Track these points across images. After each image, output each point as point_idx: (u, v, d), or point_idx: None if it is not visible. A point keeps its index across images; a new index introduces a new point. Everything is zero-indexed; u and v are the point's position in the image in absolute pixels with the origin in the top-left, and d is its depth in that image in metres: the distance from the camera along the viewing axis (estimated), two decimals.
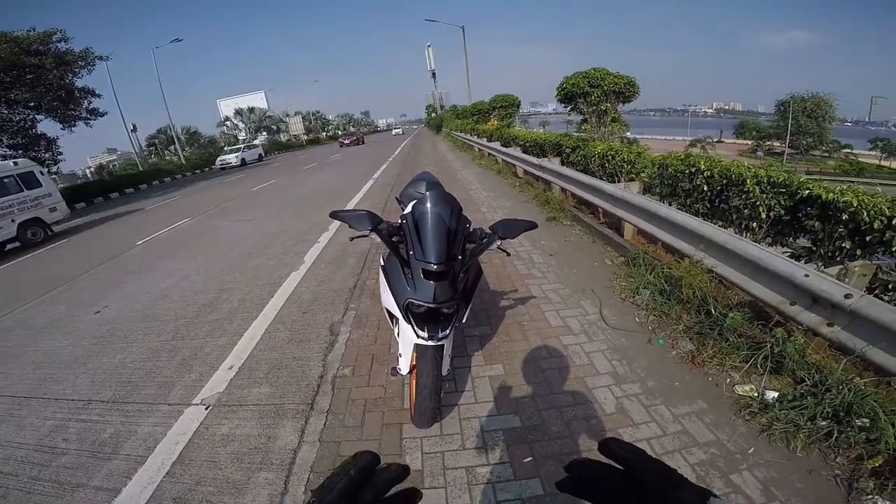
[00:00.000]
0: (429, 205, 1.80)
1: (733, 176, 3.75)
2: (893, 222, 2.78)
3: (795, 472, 1.89)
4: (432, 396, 1.89)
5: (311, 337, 3.21)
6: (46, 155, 18.96)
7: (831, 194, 3.15)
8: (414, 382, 2.23)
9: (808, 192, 3.32)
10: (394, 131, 72.42)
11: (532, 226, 1.94)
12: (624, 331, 3.03)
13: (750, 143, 45.91)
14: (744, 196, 3.67)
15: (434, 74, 52.14)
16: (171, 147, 37.55)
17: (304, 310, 3.66)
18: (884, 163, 40.19)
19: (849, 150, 42.12)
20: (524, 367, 2.64)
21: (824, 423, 2.09)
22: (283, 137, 55.90)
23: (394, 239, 1.87)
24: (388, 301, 1.89)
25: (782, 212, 3.49)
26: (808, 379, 2.32)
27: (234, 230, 7.61)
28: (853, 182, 3.38)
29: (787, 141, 38.21)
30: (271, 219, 8.12)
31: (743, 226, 3.80)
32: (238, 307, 3.99)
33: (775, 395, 2.34)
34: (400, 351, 1.99)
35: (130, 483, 2.10)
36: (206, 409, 2.59)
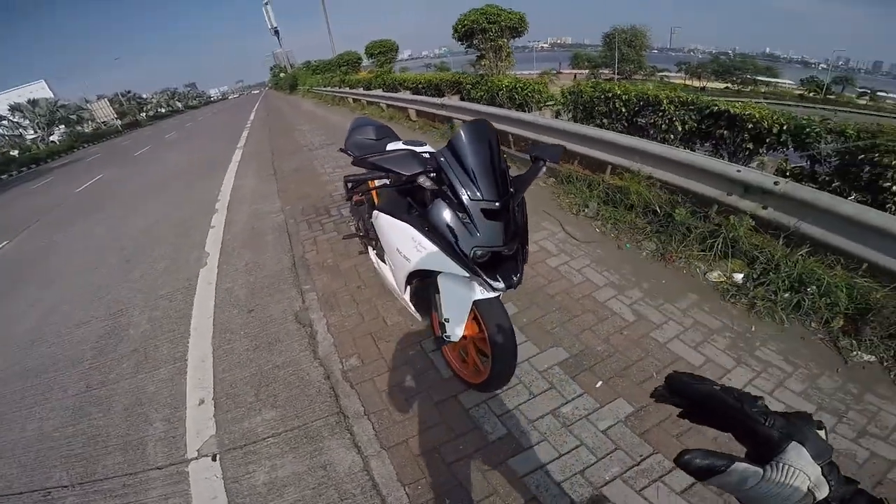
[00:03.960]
0: (471, 135, 1.48)
1: (650, 98, 4.14)
2: (785, 128, 3.37)
3: (794, 341, 2.20)
4: (514, 352, 1.67)
5: (279, 337, 2.65)
6: None
7: (737, 109, 3.69)
8: (451, 350, 2.04)
9: (716, 108, 3.83)
10: None
11: (563, 148, 1.80)
12: (594, 243, 3.18)
13: (586, 72, 51.32)
14: (661, 114, 4.08)
15: (277, 32, 46.75)
16: None
17: (249, 308, 2.99)
18: (688, 82, 48.92)
19: (663, 74, 50.40)
20: (534, 298, 2.59)
21: (787, 294, 2.44)
22: (86, 128, 44.94)
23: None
24: (433, 260, 1.56)
25: (694, 125, 3.99)
26: (761, 258, 2.69)
27: (83, 241, 5.92)
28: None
29: (616, 69, 43.57)
30: (126, 217, 6.47)
31: (660, 138, 4.21)
32: (152, 330, 3.12)
33: (741, 276, 2.67)
34: (445, 316, 1.67)
35: None
36: (215, 459, 2.04)
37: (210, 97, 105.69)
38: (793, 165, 3.51)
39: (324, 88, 19.30)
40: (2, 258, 6.35)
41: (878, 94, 50.55)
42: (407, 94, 8.69)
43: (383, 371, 2.23)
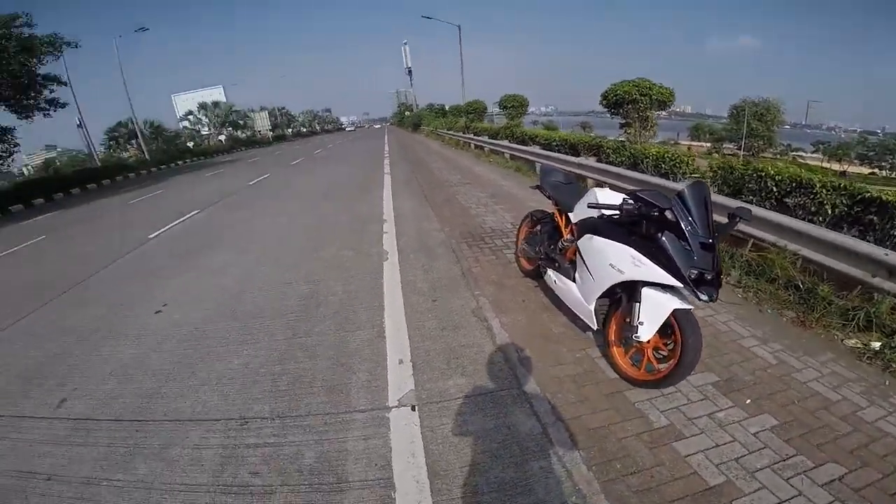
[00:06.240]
0: (695, 190, 2.17)
1: (802, 180, 4.43)
2: None
3: None
4: (699, 353, 2.23)
5: (461, 324, 3.30)
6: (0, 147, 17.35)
7: (889, 196, 3.86)
8: (622, 354, 2.57)
9: (868, 194, 4.02)
10: None
11: (752, 212, 2.43)
12: (736, 305, 3.52)
13: (706, 145, 48.97)
14: (812, 196, 4.33)
15: (410, 72, 52.20)
16: (133, 141, 35.27)
17: (433, 298, 3.76)
18: (825, 165, 44.12)
19: (797, 153, 46.35)
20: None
21: None
22: (242, 134, 53.98)
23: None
24: (649, 273, 2.19)
25: (845, 209, 4.18)
26: None
27: (271, 222, 7.46)
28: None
29: (743, 144, 41.14)
30: (306, 210, 8.03)
31: (807, 219, 4.41)
32: (349, 298, 3.90)
33: (878, 344, 2.88)
34: (640, 320, 2.29)
35: None
36: (413, 409, 2.42)
37: (342, 125, 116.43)
38: None
39: (447, 131, 21.29)
40: (198, 223, 8.19)
41: None
42: (537, 149, 9.55)
43: (554, 365, 2.76)
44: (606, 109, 7.48)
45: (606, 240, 2.48)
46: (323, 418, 2.44)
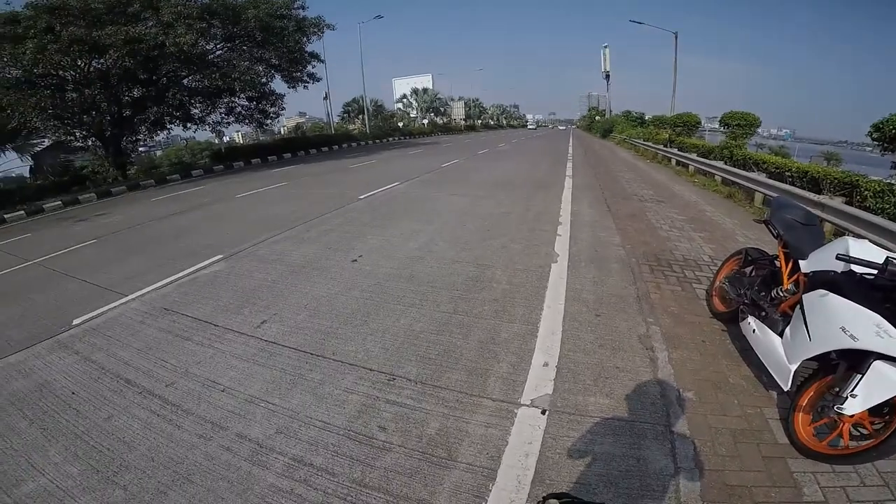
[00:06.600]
0: None
1: None
2: None
3: None
4: None
5: (623, 347, 3.10)
6: (272, 109, 21.48)
7: None
8: (805, 423, 2.17)
9: None
10: None
11: None
12: None
13: None
14: None
15: (608, 76, 49.44)
16: (360, 116, 42.60)
17: (596, 312, 3.60)
18: None
19: None
20: None
21: None
22: (440, 120, 59.41)
23: None
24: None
25: None
26: None
27: (453, 203, 8.15)
28: None
29: None
30: (485, 198, 8.50)
31: None
32: (511, 290, 4.00)
33: None
34: (854, 392, 1.91)
35: None
36: (543, 413, 2.38)
37: (526, 122, 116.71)
38: None
39: (643, 142, 19.54)
40: (396, 193, 9.46)
41: None
42: (762, 177, 8.02)
43: (717, 414, 2.42)
44: (877, 143, 5.71)
45: (847, 301, 2.02)
46: (457, 395, 2.57)
